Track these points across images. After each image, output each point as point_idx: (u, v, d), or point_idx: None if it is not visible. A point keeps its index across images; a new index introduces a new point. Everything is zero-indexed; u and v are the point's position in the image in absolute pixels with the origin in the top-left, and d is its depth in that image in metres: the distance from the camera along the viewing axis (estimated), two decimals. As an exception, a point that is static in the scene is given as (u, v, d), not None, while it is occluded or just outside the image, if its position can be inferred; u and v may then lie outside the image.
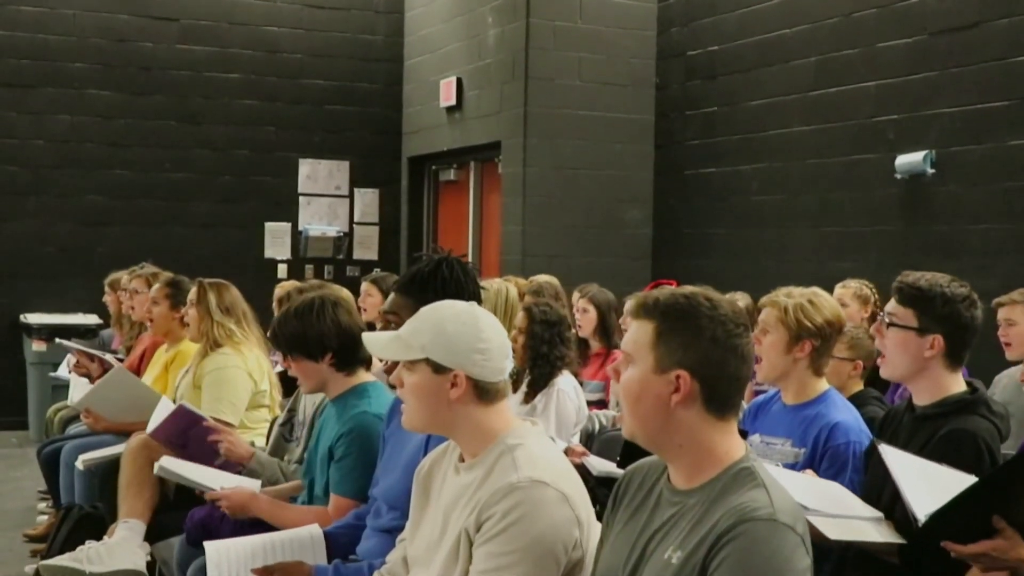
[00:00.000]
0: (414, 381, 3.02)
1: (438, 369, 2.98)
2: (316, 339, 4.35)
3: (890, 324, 3.69)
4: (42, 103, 12.05)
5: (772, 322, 4.08)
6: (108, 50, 12.23)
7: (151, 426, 5.18)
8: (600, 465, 5.23)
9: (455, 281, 3.73)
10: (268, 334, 4.65)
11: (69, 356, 8.07)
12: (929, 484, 3.25)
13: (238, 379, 5.94)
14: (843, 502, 3.50)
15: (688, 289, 2.59)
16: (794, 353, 4.08)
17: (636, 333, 2.58)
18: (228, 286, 6.24)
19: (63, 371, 8.25)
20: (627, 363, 2.58)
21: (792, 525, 2.38)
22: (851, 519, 3.39)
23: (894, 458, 3.39)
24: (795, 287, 4.26)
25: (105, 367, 7.24)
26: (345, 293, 4.93)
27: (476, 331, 3.00)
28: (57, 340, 7.81)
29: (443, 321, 3.02)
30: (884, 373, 3.79)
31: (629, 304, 2.77)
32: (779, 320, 4.07)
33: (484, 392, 3.00)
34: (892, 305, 3.71)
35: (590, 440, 5.76)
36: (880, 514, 3.46)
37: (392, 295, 3.85)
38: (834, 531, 3.27)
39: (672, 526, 2.51)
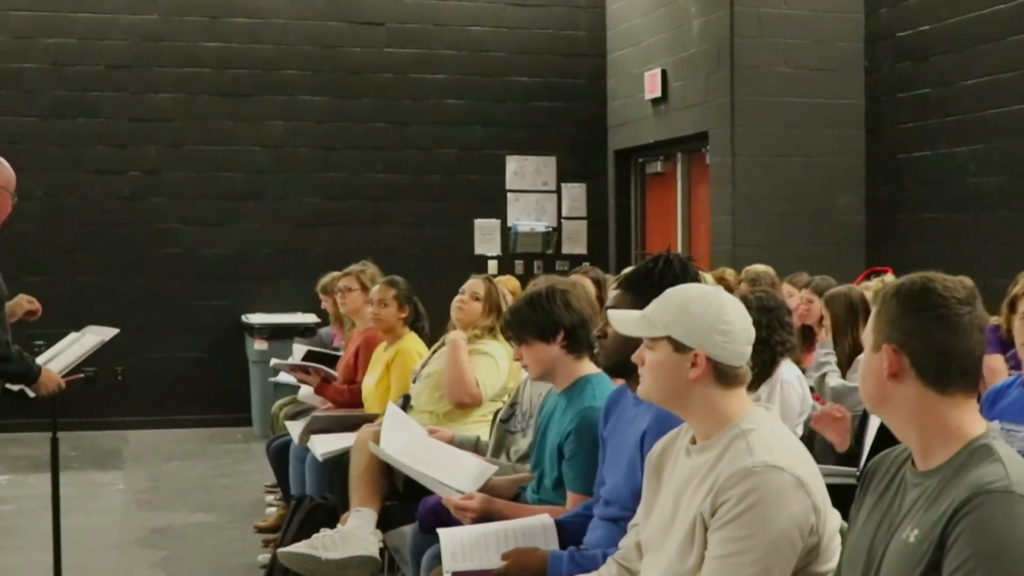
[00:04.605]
0: (655, 359, 3.06)
1: (679, 348, 3.02)
2: (548, 320, 4.42)
3: None
4: (257, 111, 12.44)
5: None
6: (318, 56, 12.56)
7: (383, 436, 5.26)
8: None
9: (672, 275, 3.73)
10: (500, 323, 4.74)
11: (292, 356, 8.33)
12: None
13: (501, 367, 6.18)
14: None
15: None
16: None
17: (869, 321, 2.63)
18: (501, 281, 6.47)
19: (284, 375, 8.52)
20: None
21: None
22: None
23: None
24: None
25: (322, 376, 7.47)
26: (570, 281, 4.96)
27: (719, 313, 3.03)
28: (274, 362, 8.04)
29: (688, 301, 3.05)
30: None
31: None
32: None
33: (723, 375, 3.02)
34: None
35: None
36: None
37: (613, 292, 3.88)
38: None
39: (913, 508, 2.49)
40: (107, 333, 6.04)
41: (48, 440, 6.09)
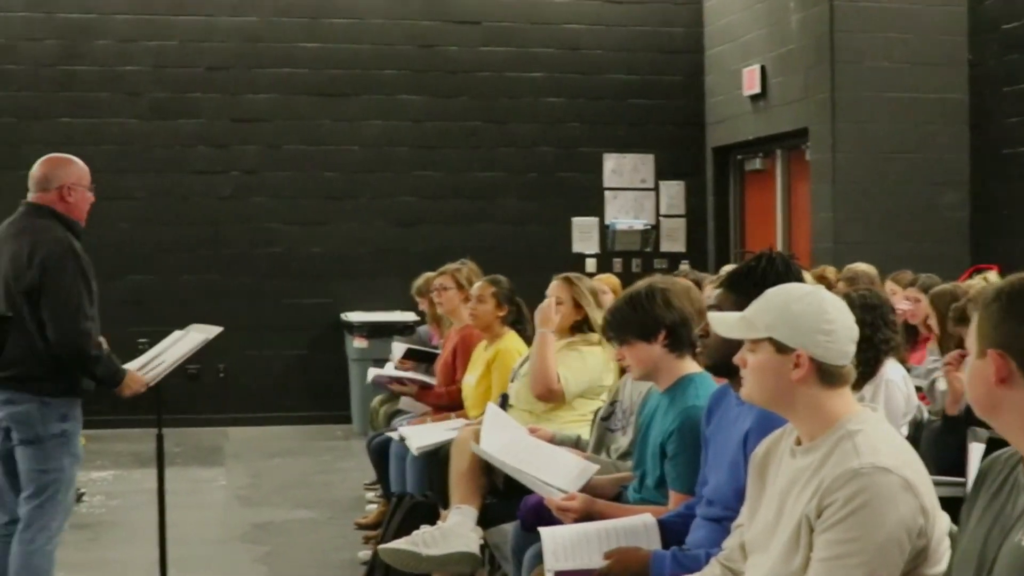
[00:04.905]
0: (757, 360, 3.03)
1: (781, 349, 2.98)
2: (649, 320, 4.40)
3: None
4: (355, 110, 12.53)
5: None
6: (415, 56, 12.62)
7: (483, 436, 5.26)
8: None
9: (775, 274, 3.70)
10: (601, 323, 4.73)
11: (388, 367, 8.40)
12: None
13: (590, 366, 6.14)
14: None
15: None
16: None
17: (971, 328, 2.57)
18: (581, 278, 6.42)
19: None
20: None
21: None
22: None
23: None
24: None
25: (420, 385, 7.51)
26: (671, 280, 4.93)
27: (821, 312, 2.99)
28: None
29: (788, 302, 3.02)
30: None
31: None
32: None
33: (827, 375, 2.97)
34: None
35: (919, 429, 5.61)
36: None
37: (715, 292, 3.88)
38: None
39: None
40: (211, 331, 6.11)
41: (152, 436, 6.18)
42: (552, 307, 6.20)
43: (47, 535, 5.48)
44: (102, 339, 5.67)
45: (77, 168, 5.67)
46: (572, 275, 6.40)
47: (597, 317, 6.17)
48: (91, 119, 12.12)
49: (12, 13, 12.02)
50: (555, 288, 6.36)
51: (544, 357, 6.11)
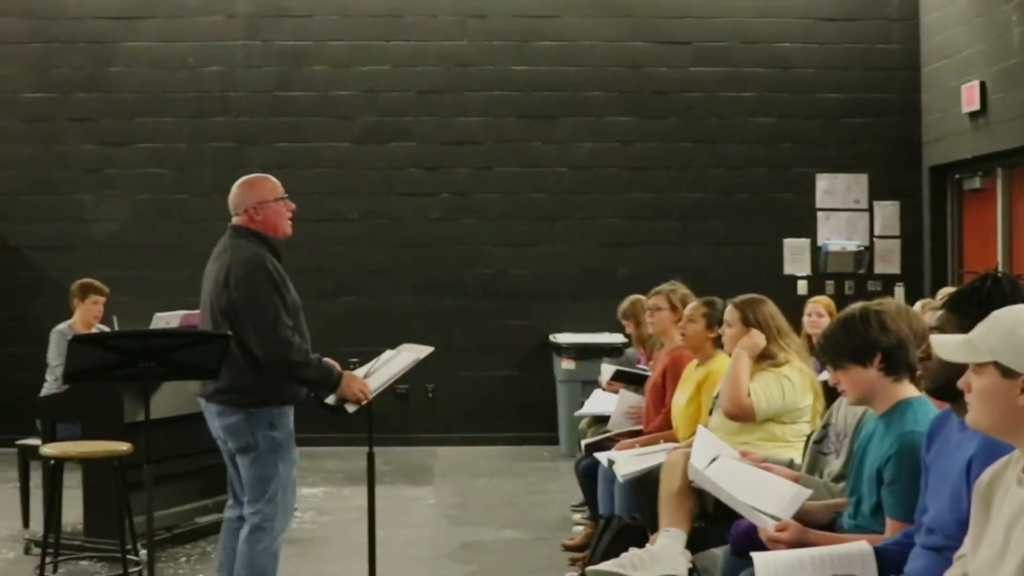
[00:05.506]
0: (981, 385, 2.92)
1: (1007, 373, 2.87)
2: (864, 343, 4.29)
3: None
4: (565, 132, 12.59)
5: None
6: (625, 77, 12.62)
7: (693, 459, 5.19)
8: None
9: (1000, 295, 3.57)
10: (815, 347, 4.64)
11: (596, 392, 8.43)
12: None
13: (785, 388, 6.12)
14: None
15: None
16: None
17: None
18: (763, 300, 6.34)
19: (589, 408, 8.64)
20: None
21: None
22: None
23: None
24: None
25: (632, 434, 7.48)
26: (890, 302, 4.80)
27: None
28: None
29: (1015, 324, 2.90)
30: None
31: None
32: None
33: None
34: None
35: None
36: None
37: (939, 312, 3.77)
38: None
39: None
40: (422, 351, 6.17)
41: (361, 454, 6.25)
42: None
43: (271, 536, 5.70)
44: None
45: (262, 186, 5.83)
46: (743, 300, 6.38)
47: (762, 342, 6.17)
48: (306, 143, 12.45)
49: (232, 42, 12.44)
50: (728, 313, 6.32)
51: (736, 372, 6.11)
